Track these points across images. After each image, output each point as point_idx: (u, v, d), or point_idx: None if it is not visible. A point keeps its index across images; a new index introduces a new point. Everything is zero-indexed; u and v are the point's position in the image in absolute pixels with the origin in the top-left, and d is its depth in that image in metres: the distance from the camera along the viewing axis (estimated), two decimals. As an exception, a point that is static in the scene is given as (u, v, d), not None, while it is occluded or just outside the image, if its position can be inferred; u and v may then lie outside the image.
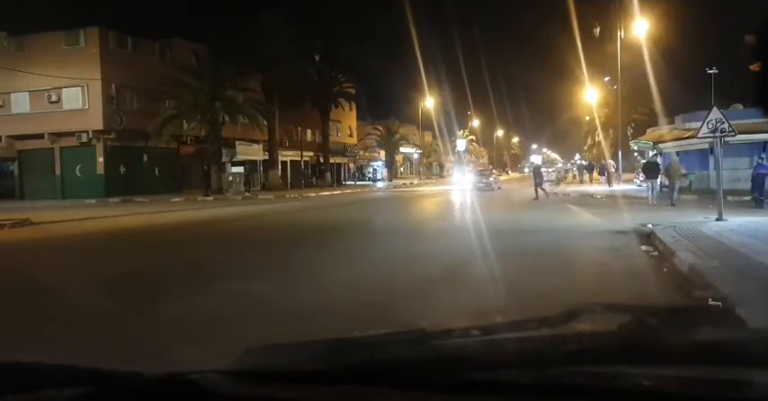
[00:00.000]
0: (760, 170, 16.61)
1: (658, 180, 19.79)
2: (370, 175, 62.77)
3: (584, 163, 52.92)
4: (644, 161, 28.79)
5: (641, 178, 27.72)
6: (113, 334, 4.62)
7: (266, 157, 39.12)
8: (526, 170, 62.52)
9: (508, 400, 0.98)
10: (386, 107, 57.20)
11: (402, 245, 10.42)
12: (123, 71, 29.92)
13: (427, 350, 1.24)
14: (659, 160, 22.88)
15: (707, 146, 17.57)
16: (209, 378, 1.05)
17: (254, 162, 39.47)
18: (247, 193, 27.92)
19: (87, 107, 30.04)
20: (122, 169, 30.82)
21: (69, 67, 28.95)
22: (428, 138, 69.81)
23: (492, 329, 1.39)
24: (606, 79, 47.03)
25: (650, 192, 19.54)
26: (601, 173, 39.13)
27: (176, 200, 26.67)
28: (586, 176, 42.69)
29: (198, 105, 30.95)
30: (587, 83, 45.27)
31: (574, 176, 48.51)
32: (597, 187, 32.85)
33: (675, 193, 18.20)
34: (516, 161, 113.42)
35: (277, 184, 38.53)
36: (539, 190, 24.02)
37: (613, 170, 35.15)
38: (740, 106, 22.55)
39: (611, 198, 22.65)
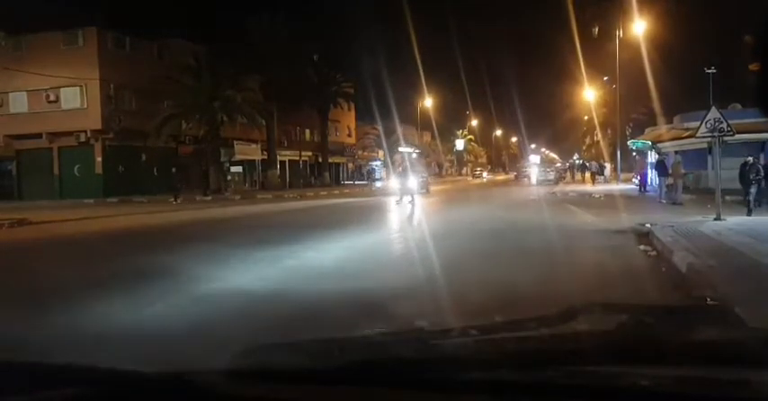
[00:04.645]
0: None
1: (666, 179, 19.96)
2: (369, 175, 62.65)
3: (579, 162, 54.40)
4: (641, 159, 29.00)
5: (639, 178, 27.85)
6: (110, 333, 4.62)
7: (264, 157, 39.13)
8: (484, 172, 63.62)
9: (507, 400, 0.98)
10: (384, 107, 57.20)
11: (403, 245, 10.42)
12: (122, 71, 29.91)
13: (426, 349, 1.24)
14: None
15: (705, 145, 17.60)
16: (209, 378, 1.05)
17: (253, 162, 39.48)
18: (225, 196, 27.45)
19: (86, 107, 30.02)
20: (121, 169, 30.79)
21: (68, 67, 28.93)
22: (427, 138, 69.84)
23: (490, 329, 1.39)
24: (605, 79, 47.10)
25: (660, 191, 19.74)
26: (599, 173, 39.88)
27: (173, 200, 26.62)
28: (579, 176, 45.08)
29: (196, 105, 30.93)
30: (586, 82, 45.38)
31: (573, 176, 48.89)
32: (596, 187, 32.98)
33: (680, 193, 18.33)
34: (515, 161, 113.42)
35: (276, 184, 38.57)
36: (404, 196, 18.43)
37: (595, 170, 38.66)
38: (739, 106, 22.57)
39: (609, 197, 22.69)
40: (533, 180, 43.38)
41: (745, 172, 13.52)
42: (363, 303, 5.45)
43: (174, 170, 27.83)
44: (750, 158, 13.83)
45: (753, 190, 13.63)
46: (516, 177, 54.05)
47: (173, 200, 25.62)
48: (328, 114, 46.36)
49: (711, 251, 7.69)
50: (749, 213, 12.93)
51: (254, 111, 33.60)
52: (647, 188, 25.50)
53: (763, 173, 14.26)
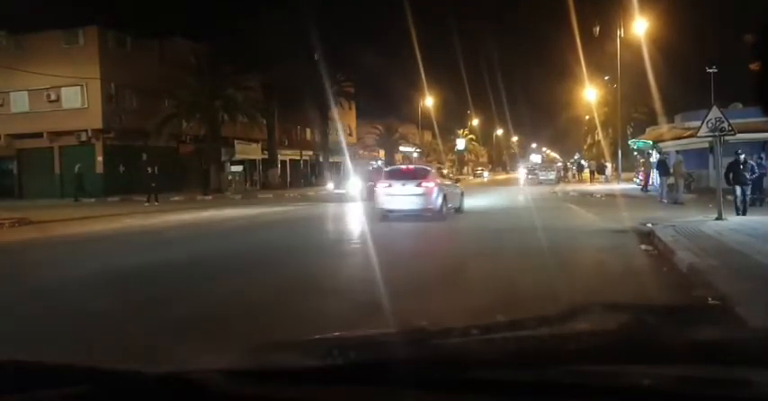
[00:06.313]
0: (760, 170, 16.67)
1: (667, 178, 19.92)
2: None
3: (581, 162, 55.73)
4: (642, 159, 29.03)
5: (640, 177, 27.86)
6: (109, 332, 4.62)
7: (265, 156, 39.12)
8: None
9: (508, 400, 0.98)
10: (385, 106, 57.24)
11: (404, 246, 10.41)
12: (122, 70, 29.91)
13: (427, 349, 1.24)
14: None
15: (707, 145, 17.58)
16: (209, 378, 1.05)
17: (254, 161, 39.48)
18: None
19: (86, 106, 30.02)
20: (121, 168, 30.78)
21: (68, 66, 28.93)
22: (427, 137, 69.82)
23: (491, 328, 1.39)
24: (606, 78, 47.06)
25: (661, 191, 19.69)
26: (600, 172, 40.13)
27: (175, 199, 26.64)
28: (578, 176, 46.72)
29: (197, 104, 30.91)
30: (587, 82, 45.36)
31: (573, 175, 49.08)
32: (597, 186, 32.98)
33: (681, 192, 18.30)
34: (516, 160, 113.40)
35: (277, 183, 38.56)
36: None
37: (593, 169, 41.11)
38: (740, 105, 22.56)
39: (610, 197, 22.69)
40: (536, 179, 43.93)
41: (738, 170, 13.25)
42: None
43: (149, 170, 25.46)
44: (742, 156, 13.29)
45: (747, 190, 13.52)
46: (527, 175, 55.27)
47: (146, 202, 23.68)
48: (329, 113, 46.34)
49: (712, 251, 7.68)
50: (744, 212, 12.85)
51: (255, 111, 33.58)
52: (649, 187, 25.50)
53: (758, 172, 14.19)
